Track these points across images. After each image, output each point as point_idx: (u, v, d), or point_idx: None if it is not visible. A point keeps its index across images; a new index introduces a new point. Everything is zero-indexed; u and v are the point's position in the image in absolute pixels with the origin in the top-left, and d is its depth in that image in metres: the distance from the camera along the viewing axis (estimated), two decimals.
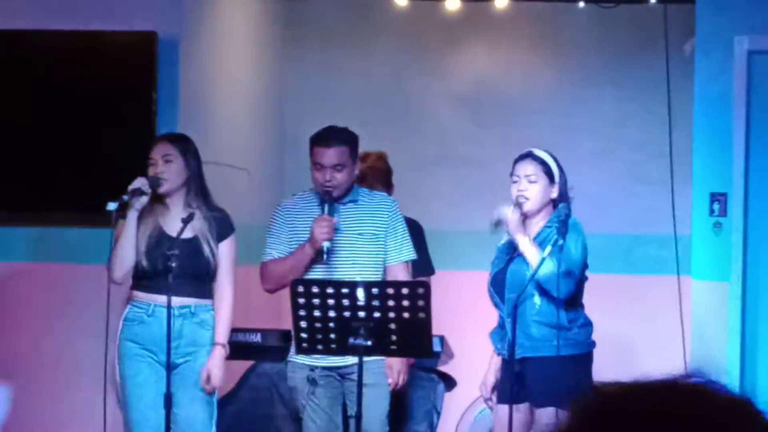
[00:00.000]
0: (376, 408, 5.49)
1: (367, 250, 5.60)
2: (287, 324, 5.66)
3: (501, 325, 5.49)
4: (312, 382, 5.55)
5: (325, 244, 5.48)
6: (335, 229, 5.51)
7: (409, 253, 5.71)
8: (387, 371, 5.62)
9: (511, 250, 5.47)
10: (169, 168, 5.61)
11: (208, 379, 5.56)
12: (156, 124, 6.73)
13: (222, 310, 5.62)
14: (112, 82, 6.79)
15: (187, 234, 5.55)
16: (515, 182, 5.43)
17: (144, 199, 5.57)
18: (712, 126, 6.91)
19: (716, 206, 6.88)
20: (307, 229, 5.55)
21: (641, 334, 8.23)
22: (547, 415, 5.23)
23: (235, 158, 7.48)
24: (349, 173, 5.60)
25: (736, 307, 6.84)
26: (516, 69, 8.70)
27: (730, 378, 6.82)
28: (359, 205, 5.66)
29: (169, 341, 5.36)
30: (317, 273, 5.53)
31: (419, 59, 8.71)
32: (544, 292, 5.30)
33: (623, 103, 8.54)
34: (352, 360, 5.40)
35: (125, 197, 5.50)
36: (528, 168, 5.43)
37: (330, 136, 5.59)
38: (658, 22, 8.14)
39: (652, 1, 8.20)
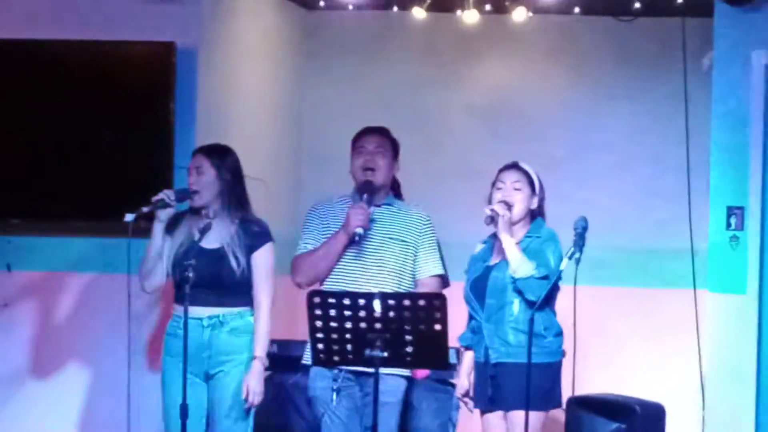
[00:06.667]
0: (385, 422, 5.52)
1: (395, 255, 5.71)
2: (302, 334, 5.67)
3: (473, 330, 5.65)
4: (336, 391, 5.58)
5: (358, 230, 5.60)
6: (371, 220, 5.63)
7: (440, 268, 5.87)
8: None
9: (489, 258, 5.64)
10: (199, 180, 5.64)
11: (248, 395, 5.54)
12: (174, 134, 6.75)
13: (258, 322, 5.62)
14: (131, 92, 6.81)
15: (213, 244, 5.56)
16: (500, 188, 5.63)
17: (170, 211, 5.59)
18: (729, 140, 6.90)
19: (733, 220, 6.87)
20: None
21: (657, 348, 8.21)
22: (520, 417, 5.30)
23: (252, 168, 7.45)
24: (388, 165, 5.77)
25: (753, 320, 6.83)
26: (533, 82, 8.70)
27: (745, 392, 6.80)
28: (394, 211, 5.80)
29: (185, 352, 5.34)
30: (347, 260, 5.63)
31: (437, 71, 8.72)
32: (524, 298, 5.44)
33: (640, 116, 8.54)
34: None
35: (144, 209, 5.50)
36: (513, 176, 5.65)
37: (374, 128, 5.84)
38: (676, 36, 8.13)
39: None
